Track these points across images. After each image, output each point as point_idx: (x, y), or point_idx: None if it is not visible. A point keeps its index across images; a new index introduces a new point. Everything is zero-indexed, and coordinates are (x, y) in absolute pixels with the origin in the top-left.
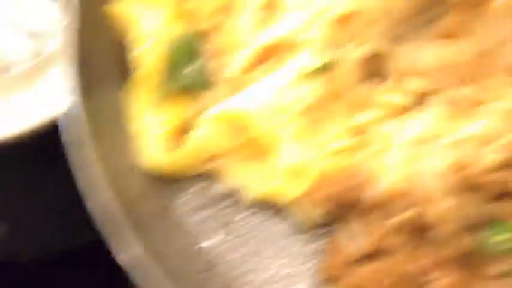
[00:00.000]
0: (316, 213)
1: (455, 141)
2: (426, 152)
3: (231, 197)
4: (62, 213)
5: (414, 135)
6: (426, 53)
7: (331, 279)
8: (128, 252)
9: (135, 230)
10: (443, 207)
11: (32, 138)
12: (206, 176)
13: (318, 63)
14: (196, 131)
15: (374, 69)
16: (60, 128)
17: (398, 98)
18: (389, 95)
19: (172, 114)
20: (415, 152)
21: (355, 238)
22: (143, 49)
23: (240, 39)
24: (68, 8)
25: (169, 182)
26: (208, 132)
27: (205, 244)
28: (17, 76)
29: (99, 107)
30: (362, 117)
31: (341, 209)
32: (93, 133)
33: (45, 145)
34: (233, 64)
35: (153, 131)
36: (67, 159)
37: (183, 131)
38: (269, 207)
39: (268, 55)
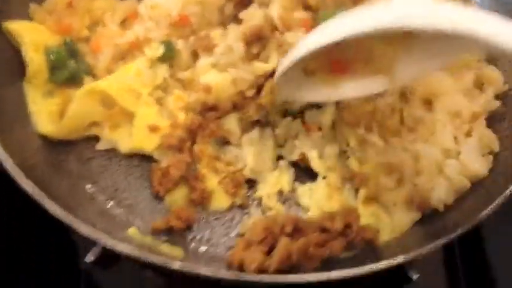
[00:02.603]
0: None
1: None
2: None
3: (111, 151)
4: None
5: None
6: None
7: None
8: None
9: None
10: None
11: None
12: (92, 138)
13: (161, 52)
14: (73, 104)
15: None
16: None
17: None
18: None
19: (60, 97)
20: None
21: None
22: (29, 53)
23: (107, 40)
24: None
25: (62, 143)
26: (82, 105)
27: (89, 185)
28: None
29: (5, 95)
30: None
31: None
32: None
33: None
34: (104, 58)
35: (45, 109)
36: None
37: None
38: (138, 156)
39: (129, 50)
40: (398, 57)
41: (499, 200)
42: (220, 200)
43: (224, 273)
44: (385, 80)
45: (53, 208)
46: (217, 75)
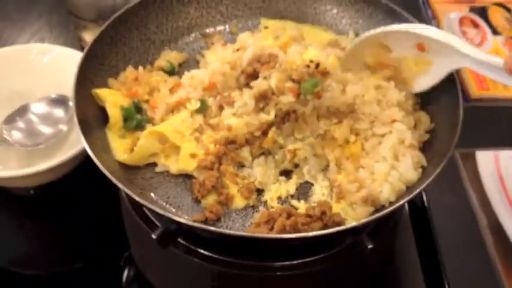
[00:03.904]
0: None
1: None
2: None
3: (164, 172)
4: None
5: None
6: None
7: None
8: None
9: (118, 180)
10: None
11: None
12: (152, 164)
13: (197, 106)
14: (139, 141)
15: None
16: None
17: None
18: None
19: (131, 138)
20: None
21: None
22: (110, 109)
23: (161, 100)
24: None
25: (132, 167)
26: (146, 141)
27: (152, 194)
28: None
29: (95, 137)
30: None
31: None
32: (93, 148)
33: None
34: (159, 112)
35: (121, 145)
36: None
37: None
38: (183, 174)
39: (176, 106)
40: (418, 74)
41: (416, 192)
42: (239, 202)
43: (242, 234)
44: (406, 87)
45: (138, 198)
46: (236, 120)
